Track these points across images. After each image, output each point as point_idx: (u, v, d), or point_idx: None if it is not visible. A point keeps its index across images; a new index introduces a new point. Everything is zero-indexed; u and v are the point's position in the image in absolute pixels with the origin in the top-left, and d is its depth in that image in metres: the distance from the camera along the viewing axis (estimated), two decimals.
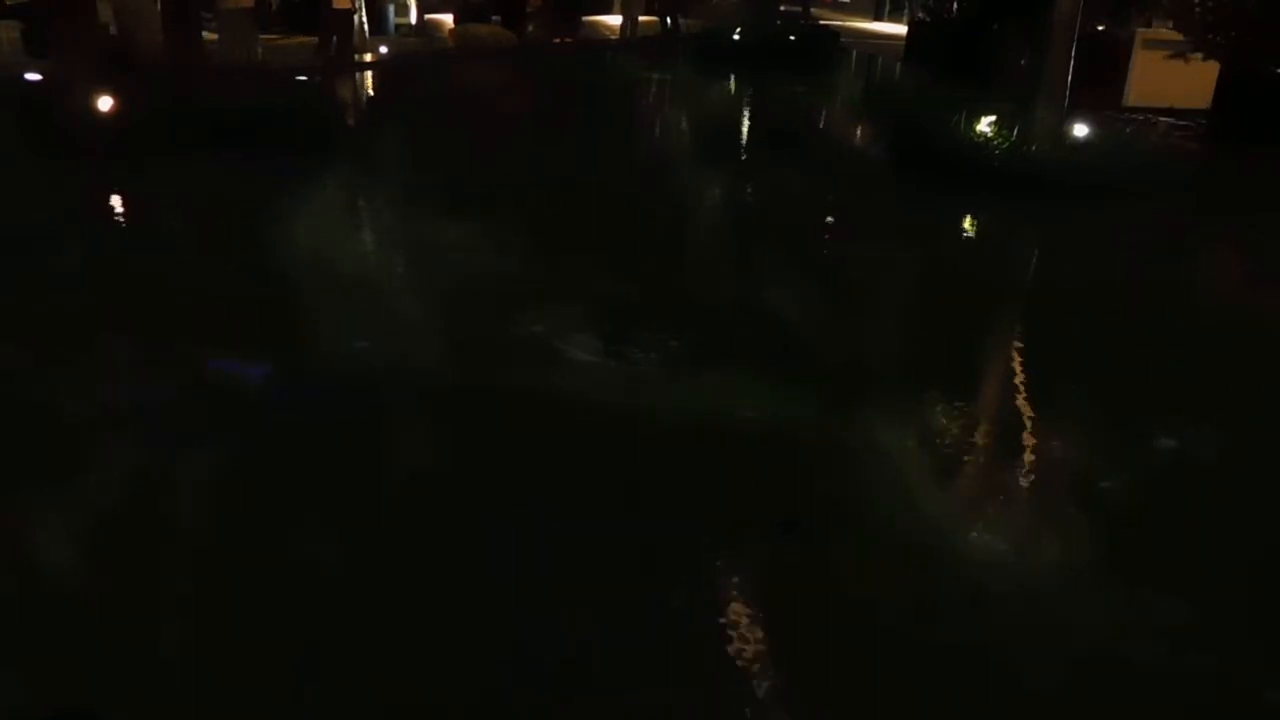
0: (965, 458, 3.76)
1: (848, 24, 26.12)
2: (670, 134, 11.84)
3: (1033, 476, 3.64)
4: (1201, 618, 2.83)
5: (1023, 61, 11.56)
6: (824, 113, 13.80)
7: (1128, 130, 11.17)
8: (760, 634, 2.64)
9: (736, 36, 17.24)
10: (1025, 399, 4.33)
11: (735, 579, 2.92)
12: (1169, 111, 12.32)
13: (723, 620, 2.70)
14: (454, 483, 3.37)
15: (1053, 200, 7.60)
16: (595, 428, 3.81)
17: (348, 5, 14.38)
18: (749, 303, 5.36)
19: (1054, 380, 4.55)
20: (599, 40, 20.68)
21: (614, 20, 22.27)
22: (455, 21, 18.49)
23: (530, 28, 19.05)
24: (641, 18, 21.04)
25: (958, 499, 3.50)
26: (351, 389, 4.06)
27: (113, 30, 11.33)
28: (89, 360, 4.25)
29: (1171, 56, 11.64)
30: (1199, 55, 11.13)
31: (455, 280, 5.48)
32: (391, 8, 19.48)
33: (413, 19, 20.89)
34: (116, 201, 6.91)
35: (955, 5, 15.72)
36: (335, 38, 14.39)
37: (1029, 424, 4.06)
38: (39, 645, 2.54)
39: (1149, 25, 13.95)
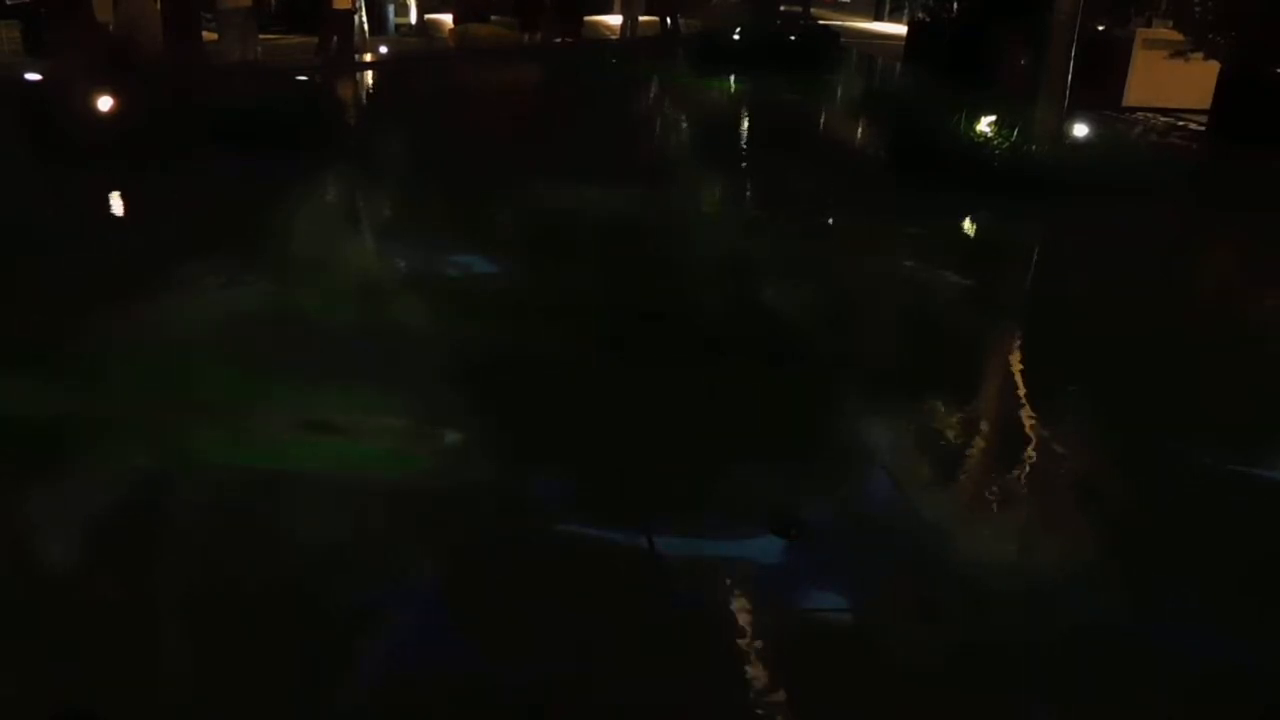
0: (962, 454, 3.77)
1: (848, 24, 26.14)
2: (669, 134, 11.85)
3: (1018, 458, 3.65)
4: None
5: (1023, 61, 11.58)
6: (824, 113, 13.81)
7: (1127, 130, 11.20)
8: None
9: (736, 36, 17.25)
10: (1023, 394, 4.33)
11: None
12: (1169, 111, 12.35)
13: None
14: None
15: (1053, 199, 7.59)
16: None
17: (348, 5, 14.42)
18: (744, 302, 5.37)
19: (1050, 375, 4.55)
20: (599, 40, 20.71)
21: (614, 20, 22.33)
22: (455, 21, 18.52)
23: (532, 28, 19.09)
24: (641, 18, 21.08)
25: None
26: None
27: (113, 30, 11.36)
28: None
29: (1171, 56, 11.66)
30: (1199, 55, 11.14)
31: (442, 279, 5.54)
32: (391, 8, 19.52)
33: (413, 19, 20.92)
34: (116, 201, 6.91)
35: (955, 5, 15.75)
36: (335, 37, 14.42)
37: (1024, 419, 4.06)
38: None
39: (1149, 25, 13.98)
